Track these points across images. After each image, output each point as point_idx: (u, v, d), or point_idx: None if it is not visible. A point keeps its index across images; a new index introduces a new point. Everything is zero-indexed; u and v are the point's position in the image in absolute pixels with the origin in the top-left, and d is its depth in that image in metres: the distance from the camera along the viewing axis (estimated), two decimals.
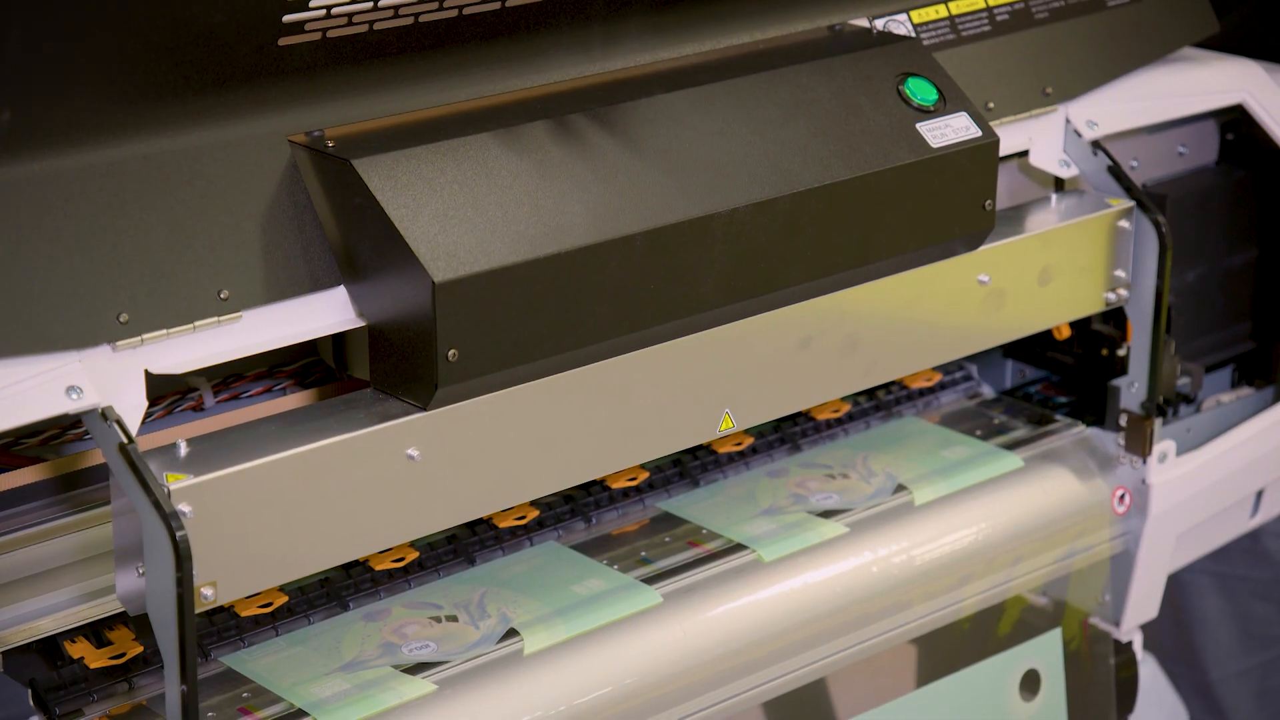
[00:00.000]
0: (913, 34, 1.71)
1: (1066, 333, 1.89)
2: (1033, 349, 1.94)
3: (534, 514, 1.62)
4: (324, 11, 1.34)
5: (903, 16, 1.71)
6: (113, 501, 1.30)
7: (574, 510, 1.65)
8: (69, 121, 1.29)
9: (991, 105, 1.75)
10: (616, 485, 1.67)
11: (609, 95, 1.50)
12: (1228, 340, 2.03)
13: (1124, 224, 1.77)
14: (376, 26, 1.39)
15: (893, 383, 1.86)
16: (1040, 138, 1.81)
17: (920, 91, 1.61)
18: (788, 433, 1.78)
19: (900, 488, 1.73)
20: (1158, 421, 1.84)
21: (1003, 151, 1.67)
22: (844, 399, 1.82)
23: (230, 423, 1.43)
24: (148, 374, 1.32)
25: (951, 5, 1.74)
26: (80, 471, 1.44)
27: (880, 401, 1.85)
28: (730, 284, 1.50)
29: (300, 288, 1.39)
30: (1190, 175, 2.00)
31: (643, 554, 1.62)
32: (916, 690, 1.74)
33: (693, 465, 1.72)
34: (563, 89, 1.51)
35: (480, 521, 1.60)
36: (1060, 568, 1.81)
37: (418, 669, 1.45)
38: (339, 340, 1.47)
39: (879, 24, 1.70)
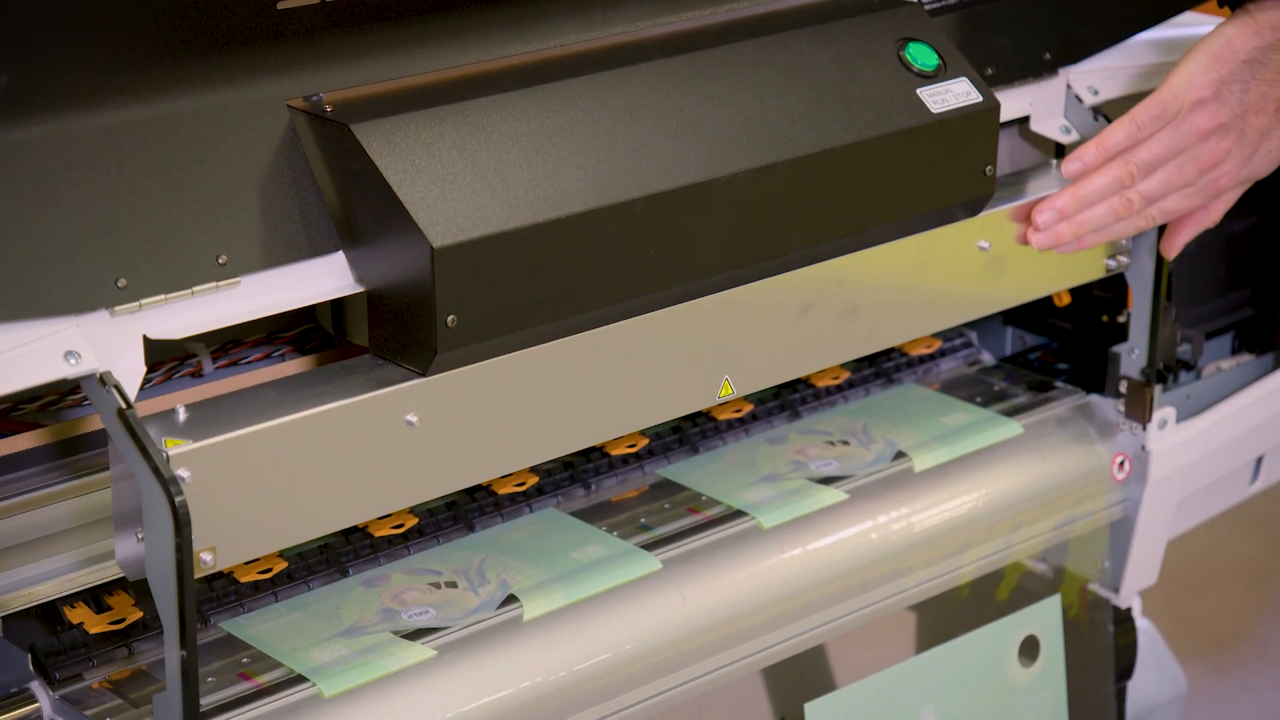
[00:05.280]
0: None
1: (1067, 299, 1.89)
2: (1033, 315, 1.94)
3: (533, 480, 1.62)
4: None
5: None
6: (111, 467, 1.30)
7: (573, 477, 1.65)
8: (67, 86, 1.28)
9: (991, 71, 1.75)
10: (616, 452, 1.67)
11: (609, 60, 1.49)
12: (1228, 307, 2.03)
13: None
14: None
15: (892, 349, 1.86)
16: (1041, 103, 1.80)
17: (921, 56, 1.61)
18: (787, 399, 1.78)
19: (900, 454, 1.73)
20: (1158, 388, 1.84)
21: (1003, 117, 1.66)
22: (844, 366, 1.82)
23: (229, 389, 1.42)
24: (146, 339, 1.32)
25: None
26: (79, 437, 1.43)
27: (880, 368, 1.85)
28: (730, 250, 1.50)
29: (299, 253, 1.38)
30: None
31: (642, 520, 1.62)
32: (916, 656, 1.74)
33: (692, 432, 1.72)
34: (562, 54, 1.51)
35: (479, 488, 1.60)
36: (1060, 534, 1.82)
37: (417, 635, 1.45)
38: (338, 306, 1.47)
39: None
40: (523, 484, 1.62)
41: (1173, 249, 1.70)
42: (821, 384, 1.80)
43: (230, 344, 1.51)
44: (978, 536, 1.74)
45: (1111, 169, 1.60)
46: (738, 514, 1.63)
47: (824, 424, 1.78)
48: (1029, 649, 1.80)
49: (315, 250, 1.39)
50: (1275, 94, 1.58)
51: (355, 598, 1.49)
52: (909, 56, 1.60)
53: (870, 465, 1.71)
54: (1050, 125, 1.82)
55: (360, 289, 1.40)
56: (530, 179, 1.39)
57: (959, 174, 1.63)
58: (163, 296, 1.32)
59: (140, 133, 1.32)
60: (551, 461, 1.64)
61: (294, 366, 1.51)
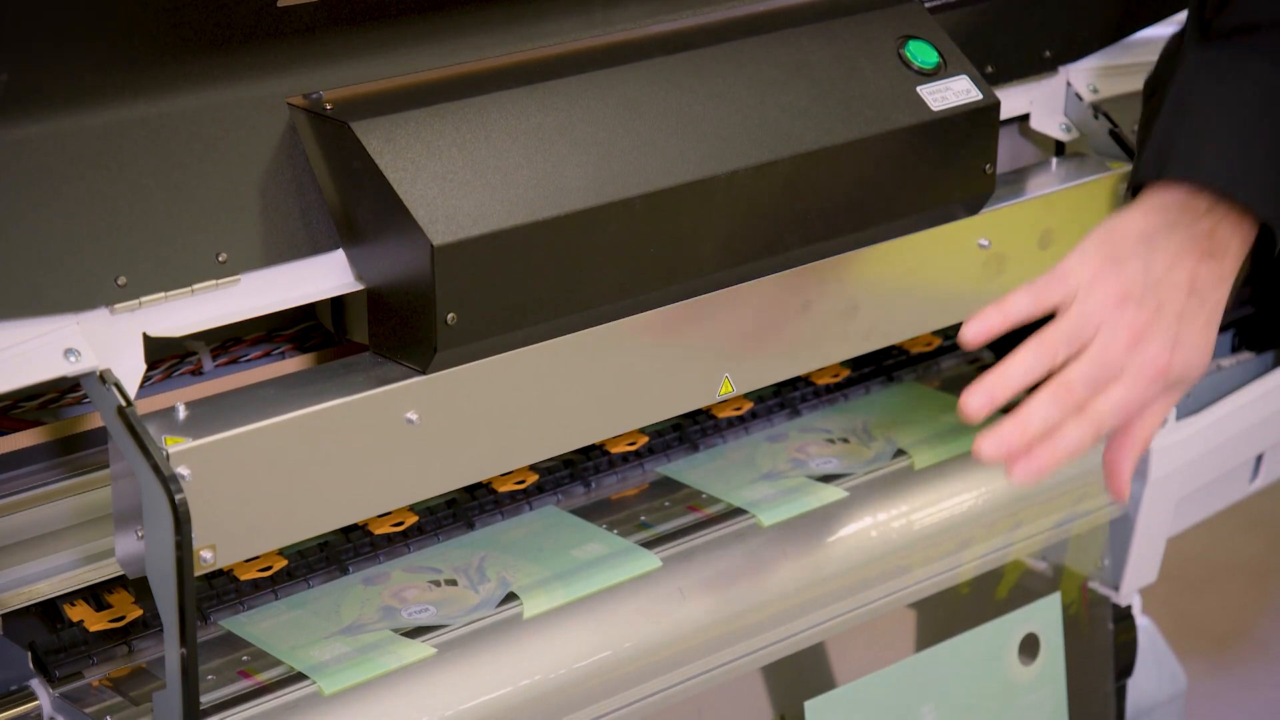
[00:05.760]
0: None
1: None
2: None
3: (533, 478, 1.62)
4: None
5: None
6: (111, 465, 1.30)
7: (573, 475, 1.65)
8: (66, 84, 1.28)
9: (991, 69, 1.75)
10: (616, 450, 1.67)
11: (609, 58, 1.49)
12: (1228, 304, 2.03)
13: (1125, 187, 1.77)
14: None
15: (893, 347, 1.86)
16: (1041, 101, 1.80)
17: (921, 54, 1.61)
18: (787, 397, 1.78)
19: (900, 452, 1.73)
20: None
21: (1003, 115, 1.66)
22: (844, 364, 1.82)
23: (229, 386, 1.42)
24: (146, 337, 1.32)
25: None
26: (79, 435, 1.43)
27: (880, 366, 1.85)
28: (729, 247, 1.50)
29: (299, 251, 1.38)
30: None
31: (642, 518, 1.62)
32: (915, 654, 1.74)
33: (692, 430, 1.72)
34: (563, 52, 1.51)
35: (479, 486, 1.60)
36: (1059, 532, 1.82)
37: (417, 633, 1.45)
38: (338, 304, 1.47)
39: None
40: (523, 482, 1.62)
41: (1124, 488, 1.53)
42: (821, 382, 1.80)
43: (230, 342, 1.51)
44: (977, 534, 1.74)
45: (1029, 346, 1.47)
46: (737, 512, 1.63)
47: (824, 422, 1.78)
48: (1029, 647, 1.80)
49: (315, 248, 1.39)
50: (1184, 273, 1.49)
51: (355, 595, 1.49)
52: (909, 54, 1.60)
53: (870, 463, 1.71)
54: (1050, 123, 1.82)
55: (360, 287, 1.40)
56: (530, 177, 1.39)
57: (959, 172, 1.63)
58: (163, 294, 1.32)
59: (140, 131, 1.32)
60: (551, 459, 1.64)
61: (294, 364, 1.51)
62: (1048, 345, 1.47)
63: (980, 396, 1.44)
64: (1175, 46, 1.55)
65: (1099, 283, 1.48)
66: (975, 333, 1.48)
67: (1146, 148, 1.53)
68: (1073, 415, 1.47)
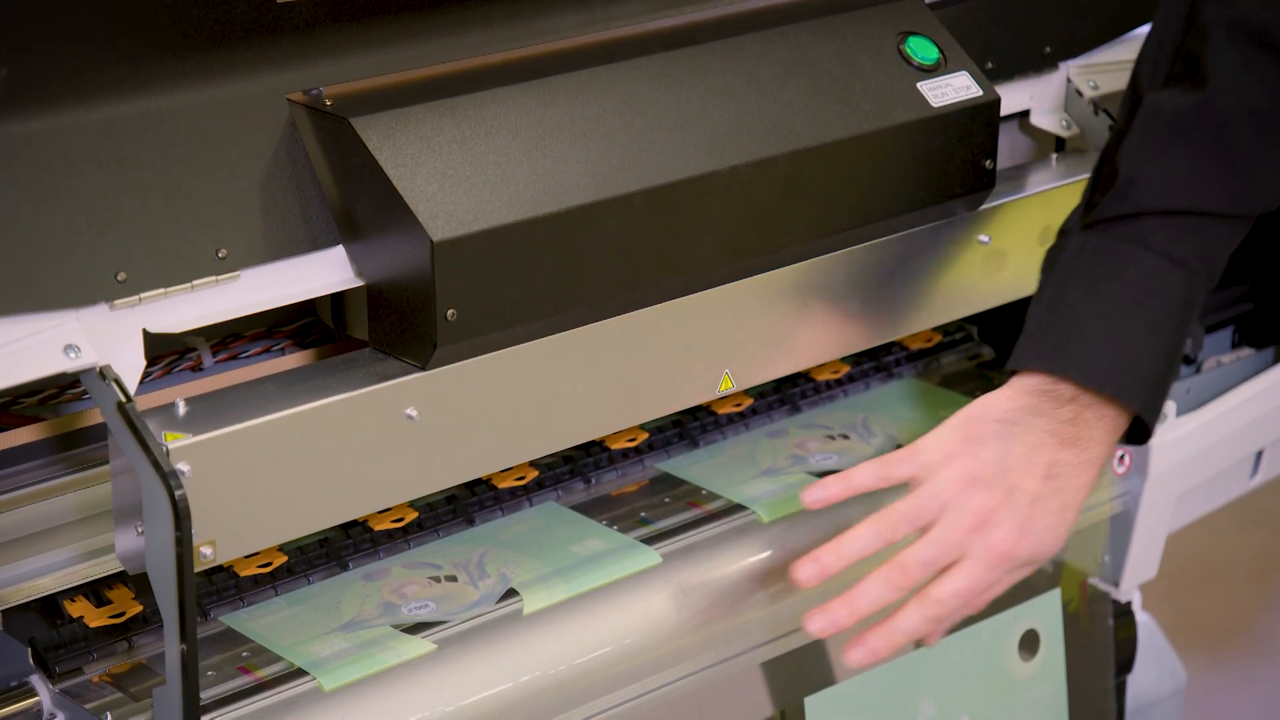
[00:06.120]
0: None
1: None
2: None
3: (533, 474, 1.62)
4: None
5: None
6: (111, 461, 1.30)
7: (573, 471, 1.65)
8: (66, 79, 1.28)
9: (992, 65, 1.75)
10: (616, 446, 1.67)
11: (609, 54, 1.49)
12: (1228, 301, 2.03)
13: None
14: None
15: (892, 343, 1.86)
16: (1041, 97, 1.80)
17: (921, 50, 1.61)
18: (787, 394, 1.78)
19: (900, 448, 1.73)
20: None
21: (1003, 111, 1.66)
22: (844, 360, 1.82)
23: (229, 382, 1.42)
24: (146, 333, 1.32)
25: None
26: (79, 431, 1.43)
27: (880, 362, 1.84)
28: (729, 244, 1.50)
29: (299, 247, 1.38)
30: None
31: (642, 514, 1.62)
32: (916, 650, 1.74)
33: (692, 426, 1.72)
34: (562, 47, 1.51)
35: (479, 482, 1.60)
36: None
37: (417, 629, 1.45)
38: (337, 300, 1.47)
39: None
40: (523, 478, 1.62)
41: (936, 635, 1.52)
42: (821, 378, 1.80)
43: (230, 338, 1.51)
44: None
45: (869, 523, 1.48)
46: (737, 508, 1.63)
47: (824, 418, 1.78)
48: (1029, 643, 1.80)
49: (315, 244, 1.39)
50: (1041, 459, 1.48)
51: (355, 592, 1.49)
52: (909, 50, 1.60)
53: (871, 459, 1.71)
54: (1051, 119, 1.82)
55: (360, 283, 1.40)
56: (530, 173, 1.39)
57: (959, 168, 1.63)
58: (162, 290, 1.32)
59: (140, 126, 1.32)
60: (551, 456, 1.64)
61: (294, 360, 1.51)
62: (887, 522, 1.48)
63: (810, 568, 1.47)
64: (1070, 225, 1.57)
65: (951, 463, 1.49)
66: (814, 499, 1.51)
67: (1021, 336, 1.54)
68: (914, 598, 1.48)
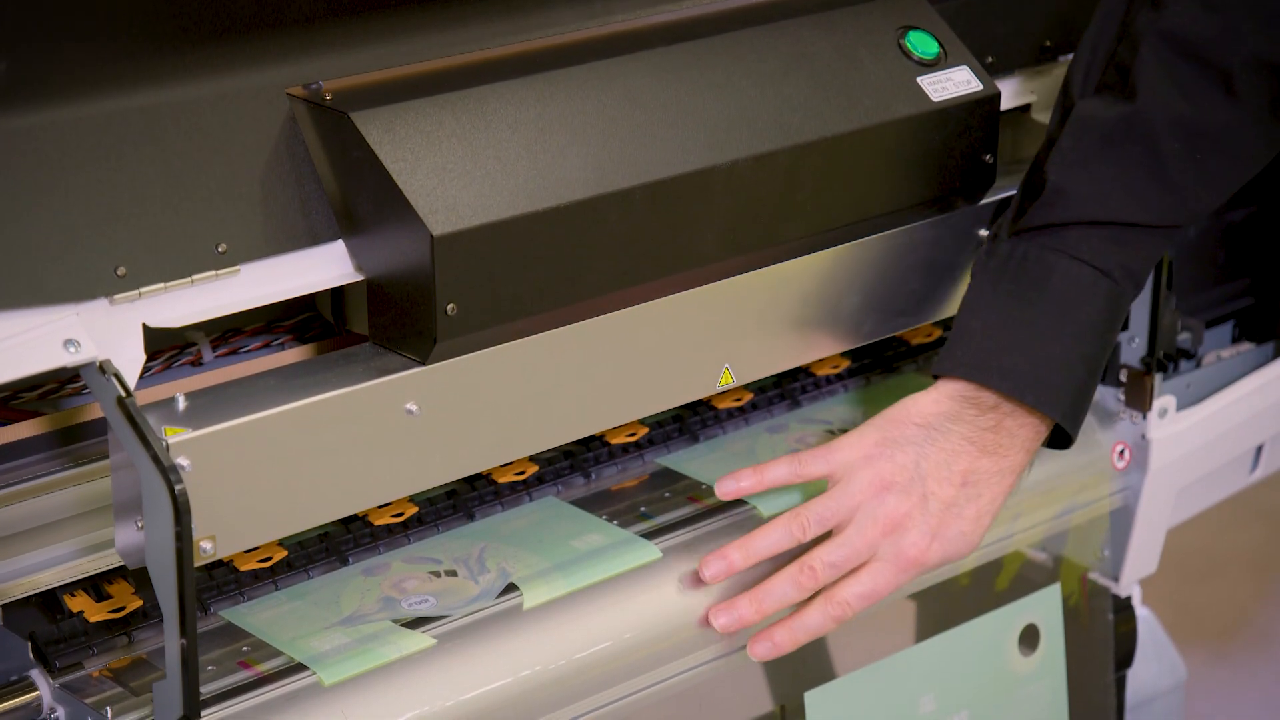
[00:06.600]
0: None
1: None
2: None
3: (533, 469, 1.62)
4: None
5: None
6: (111, 456, 1.30)
7: (573, 466, 1.65)
8: (65, 73, 1.28)
9: (992, 59, 1.75)
10: (616, 441, 1.67)
11: (608, 48, 1.49)
12: (1228, 295, 2.03)
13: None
14: None
15: (893, 338, 1.86)
16: (1042, 91, 1.80)
17: (921, 45, 1.60)
18: (787, 389, 1.78)
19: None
20: (1158, 377, 1.83)
21: (1004, 105, 1.66)
22: (844, 355, 1.81)
23: (229, 377, 1.42)
24: (145, 328, 1.32)
25: None
26: (79, 425, 1.43)
27: (880, 357, 1.84)
28: (729, 238, 1.50)
29: (299, 241, 1.38)
30: None
31: (642, 509, 1.62)
32: (916, 645, 1.74)
33: (692, 421, 1.72)
34: (562, 42, 1.51)
35: (479, 477, 1.60)
36: (1059, 523, 1.81)
37: (417, 623, 1.45)
38: (337, 295, 1.47)
39: None
40: (523, 473, 1.62)
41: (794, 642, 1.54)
42: (821, 373, 1.80)
43: (230, 332, 1.51)
44: None
45: (780, 522, 1.50)
46: (738, 503, 1.63)
47: (824, 413, 1.77)
48: (1029, 638, 1.80)
49: (315, 239, 1.39)
50: (959, 466, 1.50)
51: (355, 586, 1.49)
52: (909, 45, 1.60)
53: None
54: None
55: (360, 277, 1.40)
56: (530, 167, 1.39)
57: (960, 162, 1.63)
58: (162, 285, 1.32)
59: (140, 120, 1.32)
60: (551, 450, 1.64)
61: (294, 355, 1.51)
62: (799, 522, 1.50)
63: (717, 565, 1.48)
64: (999, 230, 1.57)
65: (867, 465, 1.51)
66: (726, 490, 1.53)
67: (946, 341, 1.55)
68: (820, 597, 1.49)
